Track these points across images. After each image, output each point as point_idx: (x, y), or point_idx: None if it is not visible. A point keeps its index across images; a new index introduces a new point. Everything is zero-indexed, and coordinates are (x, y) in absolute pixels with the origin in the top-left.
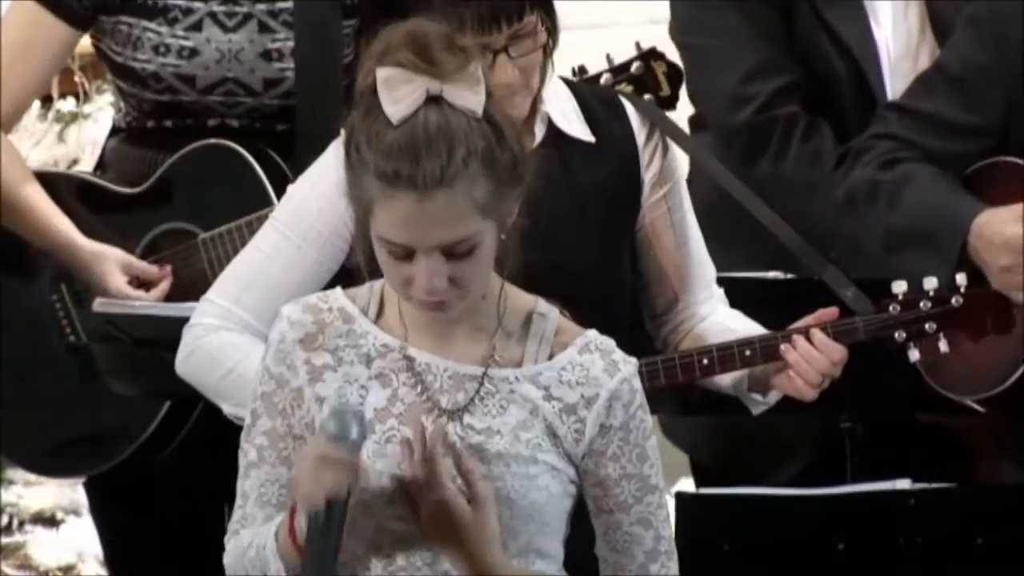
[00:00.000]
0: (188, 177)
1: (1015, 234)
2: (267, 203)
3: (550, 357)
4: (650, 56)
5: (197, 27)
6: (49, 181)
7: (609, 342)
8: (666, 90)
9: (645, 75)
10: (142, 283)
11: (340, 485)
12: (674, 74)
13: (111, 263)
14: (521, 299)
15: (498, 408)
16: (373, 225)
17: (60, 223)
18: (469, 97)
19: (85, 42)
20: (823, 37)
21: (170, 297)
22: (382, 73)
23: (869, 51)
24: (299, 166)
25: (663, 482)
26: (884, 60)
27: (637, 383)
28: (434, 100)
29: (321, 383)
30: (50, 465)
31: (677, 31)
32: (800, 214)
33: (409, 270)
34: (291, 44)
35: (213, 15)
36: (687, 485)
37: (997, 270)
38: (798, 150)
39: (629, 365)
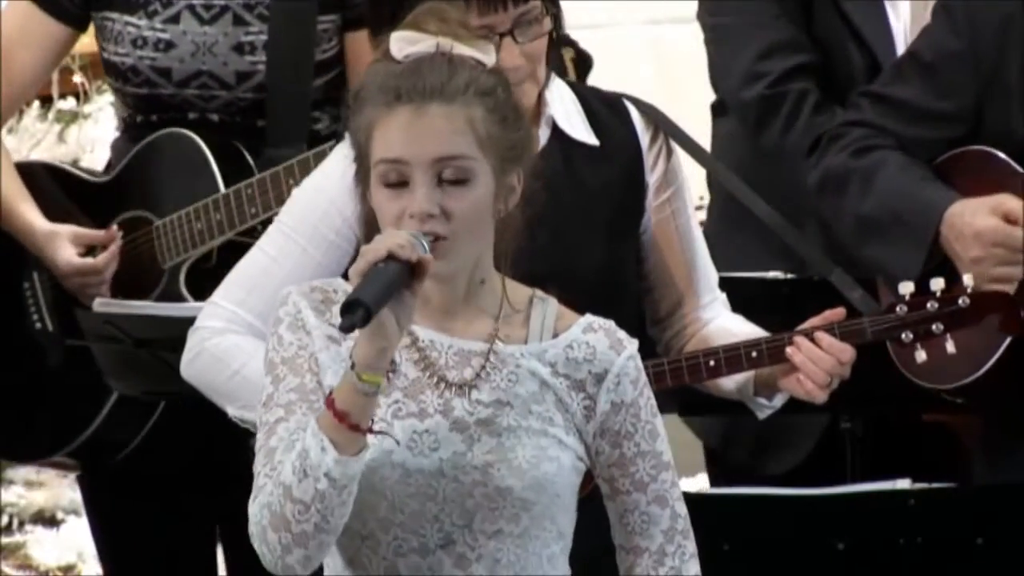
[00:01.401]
0: (146, 166)
1: (987, 226)
2: (215, 190)
3: (554, 336)
4: (558, 43)
5: (175, 20)
6: (27, 170)
7: (610, 322)
8: (572, 76)
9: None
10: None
11: (403, 248)
12: (581, 61)
13: (61, 238)
14: (520, 287)
15: (507, 382)
16: (372, 155)
17: (23, 207)
18: (479, 55)
19: (85, 42)
20: (841, 28)
21: (123, 284)
22: (396, 34)
23: (886, 44)
24: (267, 160)
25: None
26: (901, 53)
27: (640, 361)
28: (443, 54)
29: (326, 352)
30: (9, 448)
31: (704, 12)
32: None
33: (402, 202)
34: (264, 37)
35: (191, 7)
36: (702, 480)
37: (968, 261)
38: (806, 123)
39: (632, 344)
